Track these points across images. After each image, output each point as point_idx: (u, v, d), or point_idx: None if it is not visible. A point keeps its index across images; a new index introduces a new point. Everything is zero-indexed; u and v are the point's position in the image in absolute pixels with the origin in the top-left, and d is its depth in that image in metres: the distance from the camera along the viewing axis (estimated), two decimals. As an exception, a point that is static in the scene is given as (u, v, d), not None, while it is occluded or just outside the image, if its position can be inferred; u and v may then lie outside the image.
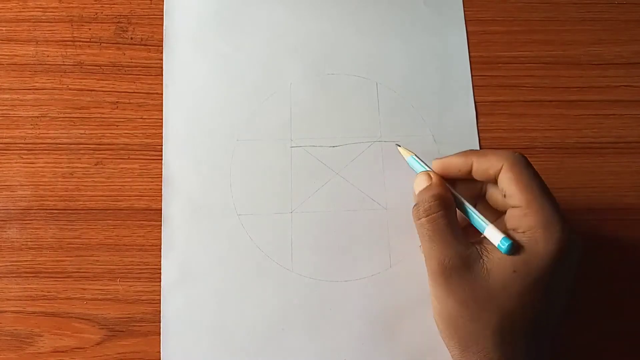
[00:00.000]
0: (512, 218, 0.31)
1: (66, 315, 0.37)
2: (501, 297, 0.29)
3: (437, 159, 0.34)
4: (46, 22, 0.42)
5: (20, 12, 0.42)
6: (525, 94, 0.42)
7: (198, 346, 0.36)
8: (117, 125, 0.40)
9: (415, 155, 0.36)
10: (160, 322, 0.36)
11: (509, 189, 0.31)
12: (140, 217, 0.38)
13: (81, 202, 0.38)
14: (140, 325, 0.37)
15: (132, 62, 0.41)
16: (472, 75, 0.42)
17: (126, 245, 0.38)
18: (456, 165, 0.33)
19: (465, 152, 0.33)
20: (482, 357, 0.30)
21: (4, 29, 0.42)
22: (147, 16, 0.42)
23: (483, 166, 0.32)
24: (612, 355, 0.38)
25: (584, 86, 0.42)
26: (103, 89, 0.41)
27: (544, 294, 0.30)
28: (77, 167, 0.39)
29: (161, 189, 0.39)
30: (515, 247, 0.29)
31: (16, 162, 0.39)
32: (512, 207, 0.31)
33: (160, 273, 0.37)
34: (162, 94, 0.41)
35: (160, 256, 0.38)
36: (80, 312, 0.37)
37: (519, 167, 0.31)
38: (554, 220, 0.29)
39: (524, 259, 0.29)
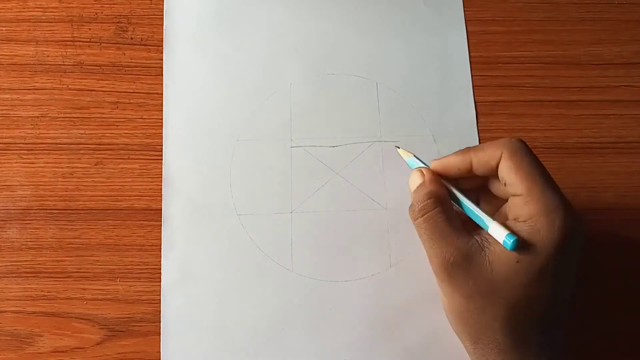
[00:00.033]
0: (514, 207, 0.31)
1: (66, 315, 0.37)
2: (506, 288, 0.29)
3: (435, 159, 0.34)
4: (46, 22, 0.42)
5: (20, 12, 0.42)
6: (525, 94, 0.42)
7: (198, 346, 0.36)
8: (117, 125, 0.40)
9: (415, 155, 0.36)
10: (160, 322, 0.36)
11: (509, 177, 0.30)
12: (140, 217, 0.38)
13: (81, 202, 0.38)
14: (140, 325, 0.37)
15: (132, 62, 0.41)
16: (472, 75, 0.42)
17: (126, 245, 0.38)
18: (455, 164, 0.33)
19: (462, 150, 0.33)
20: (494, 348, 0.30)
21: (4, 29, 0.42)
22: (147, 16, 0.42)
23: (483, 160, 0.32)
24: (612, 355, 0.38)
25: (584, 86, 0.42)
26: (103, 89, 0.41)
27: (550, 282, 0.29)
28: (77, 167, 0.39)
29: (161, 189, 0.39)
30: (520, 243, 0.29)
31: (16, 162, 0.39)
32: (513, 195, 0.31)
33: (160, 273, 0.37)
34: (162, 94, 0.41)
35: (160, 256, 0.38)
36: (80, 312, 0.37)
37: (518, 155, 0.30)
38: (556, 207, 0.29)
39: (526, 248, 0.29)
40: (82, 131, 0.40)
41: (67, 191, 0.39)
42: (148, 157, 0.39)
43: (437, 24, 0.43)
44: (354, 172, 0.40)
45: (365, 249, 0.38)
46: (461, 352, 0.32)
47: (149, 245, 0.38)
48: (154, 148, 0.40)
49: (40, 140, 0.40)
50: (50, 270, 0.37)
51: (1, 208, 0.38)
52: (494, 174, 0.32)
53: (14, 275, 0.37)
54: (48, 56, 0.41)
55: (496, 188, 0.33)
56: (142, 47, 0.42)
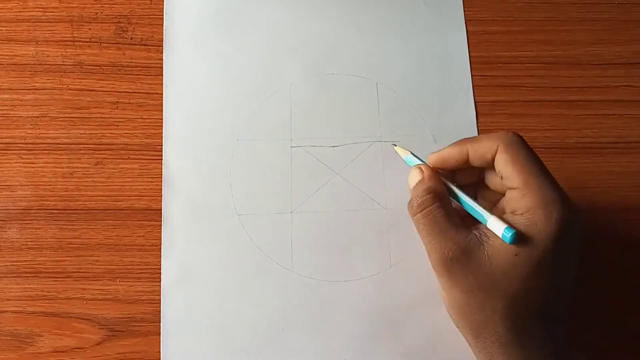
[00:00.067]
0: (511, 200, 0.31)
1: (66, 315, 0.37)
2: (505, 282, 0.29)
3: (433, 153, 0.34)
4: (46, 22, 0.42)
5: (20, 12, 0.42)
6: (525, 94, 0.42)
7: (198, 346, 0.36)
8: (117, 125, 0.40)
9: (412, 152, 0.36)
10: (160, 322, 0.36)
11: (505, 170, 0.31)
12: (140, 217, 0.38)
13: (81, 202, 0.38)
14: (140, 325, 0.37)
15: (132, 62, 0.41)
16: (472, 75, 0.42)
17: (126, 245, 0.38)
18: (452, 156, 0.33)
19: (459, 141, 0.33)
20: (495, 342, 0.30)
21: (4, 29, 0.42)
22: (147, 16, 0.42)
23: (479, 152, 0.32)
24: (612, 355, 0.38)
25: (584, 86, 0.42)
26: (103, 89, 0.41)
27: (549, 275, 0.29)
28: (77, 167, 0.39)
29: (161, 189, 0.39)
30: (519, 236, 0.29)
31: (16, 162, 0.39)
32: (510, 188, 0.31)
33: (160, 273, 0.37)
34: (162, 94, 0.41)
35: (160, 256, 0.38)
36: (80, 312, 0.37)
37: (514, 148, 0.31)
38: (553, 199, 0.29)
39: (524, 241, 0.29)
40: (82, 131, 0.40)
41: (67, 191, 0.39)
42: (148, 157, 0.39)
43: (437, 24, 0.43)
44: (354, 172, 0.40)
45: (365, 249, 0.38)
46: (461, 352, 0.32)
47: (149, 245, 0.38)
48: (154, 148, 0.40)
49: (40, 140, 0.40)
50: (50, 270, 0.37)
51: (1, 208, 0.38)
52: (490, 166, 0.32)
53: (14, 275, 0.37)
54: (48, 56, 0.41)
55: (493, 182, 0.33)
56: (142, 47, 0.42)
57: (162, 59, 0.41)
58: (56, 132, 0.40)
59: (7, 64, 0.41)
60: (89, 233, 0.38)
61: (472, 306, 0.30)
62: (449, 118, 0.41)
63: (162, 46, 0.42)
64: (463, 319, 0.31)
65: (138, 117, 0.40)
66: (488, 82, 0.42)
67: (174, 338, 0.36)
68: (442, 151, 0.34)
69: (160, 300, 0.37)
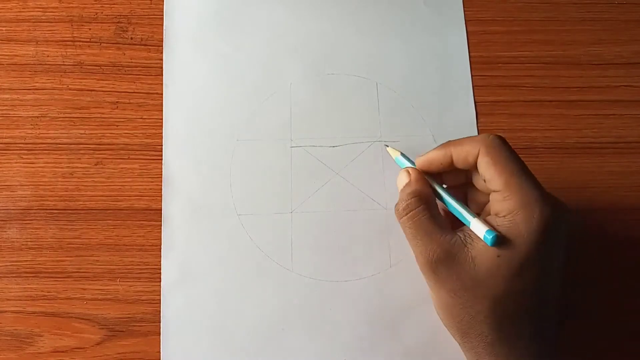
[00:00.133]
0: (494, 202, 0.31)
1: (66, 315, 0.37)
2: (489, 283, 0.29)
3: (419, 156, 0.34)
4: (46, 22, 0.42)
5: (20, 12, 0.42)
6: (525, 94, 0.42)
7: (198, 346, 0.36)
8: (117, 125, 0.40)
9: (402, 153, 0.37)
10: (160, 322, 0.37)
11: (487, 173, 0.31)
12: (140, 217, 0.38)
13: (81, 202, 0.38)
14: (140, 325, 0.37)
15: (132, 62, 0.41)
16: (472, 75, 0.42)
17: (126, 245, 0.38)
18: (437, 158, 0.33)
19: (444, 144, 0.33)
20: (481, 342, 0.30)
21: (4, 29, 0.42)
22: (147, 16, 0.42)
23: (462, 155, 0.32)
24: (612, 355, 0.38)
25: (584, 86, 0.42)
26: (103, 89, 0.41)
27: (533, 275, 0.29)
28: (77, 167, 0.39)
29: (161, 189, 0.39)
30: (500, 239, 0.29)
31: (16, 162, 0.39)
32: (493, 191, 0.31)
33: (160, 273, 0.37)
34: (162, 94, 0.41)
35: (160, 256, 0.38)
36: (80, 312, 0.37)
37: (495, 150, 0.31)
38: (534, 200, 0.29)
39: (506, 242, 0.29)
40: (82, 131, 0.40)
41: (67, 191, 0.39)
42: (148, 157, 0.39)
43: (437, 24, 0.43)
44: (353, 172, 0.40)
45: (365, 249, 0.38)
46: (461, 352, 0.32)
47: (149, 245, 0.38)
48: (154, 148, 0.40)
49: (40, 140, 0.40)
50: (50, 270, 0.37)
51: (1, 208, 0.38)
52: (473, 168, 0.33)
53: (14, 275, 0.37)
54: (48, 56, 0.41)
55: (480, 184, 0.34)
56: (142, 47, 0.42)
57: (162, 59, 0.41)
58: (56, 132, 0.40)
59: (7, 64, 0.41)
60: (89, 233, 0.38)
61: (458, 307, 0.30)
62: (449, 118, 0.41)
63: (162, 46, 0.42)
64: (450, 319, 0.31)
65: (138, 117, 0.40)
66: (488, 82, 0.42)
67: (174, 338, 0.36)
68: (428, 154, 0.34)
69: (160, 300, 0.37)
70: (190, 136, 0.40)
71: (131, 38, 0.42)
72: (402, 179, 0.34)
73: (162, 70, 0.41)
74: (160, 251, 0.38)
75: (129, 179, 0.39)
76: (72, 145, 0.40)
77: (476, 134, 0.41)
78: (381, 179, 0.39)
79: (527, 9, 0.44)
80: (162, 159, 0.39)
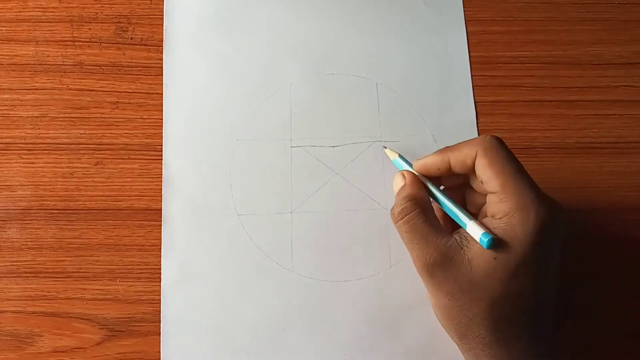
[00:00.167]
0: (491, 204, 0.31)
1: (66, 315, 0.37)
2: (485, 285, 0.30)
3: (417, 160, 0.35)
4: (46, 22, 0.42)
5: (20, 12, 0.42)
6: (525, 94, 0.42)
7: (198, 346, 0.36)
8: (117, 125, 0.40)
9: (400, 155, 0.37)
10: (160, 322, 0.37)
11: (484, 175, 0.31)
12: (140, 217, 0.38)
13: (81, 202, 0.38)
14: (140, 325, 0.37)
15: (132, 62, 0.41)
16: (472, 75, 0.42)
17: (126, 245, 0.38)
18: (435, 163, 0.33)
19: (441, 150, 0.33)
20: (479, 343, 0.30)
21: (4, 29, 0.42)
22: (147, 16, 0.42)
23: (459, 159, 0.32)
24: (612, 355, 0.38)
25: (584, 86, 0.42)
26: (103, 89, 0.41)
27: (530, 277, 0.30)
28: (77, 167, 0.39)
29: (161, 189, 0.39)
30: (496, 241, 0.29)
31: (16, 162, 0.39)
32: (490, 193, 0.31)
33: (160, 273, 0.37)
34: (162, 94, 0.41)
35: (160, 256, 0.38)
36: (80, 312, 0.37)
37: (492, 152, 0.31)
38: (530, 202, 0.29)
39: (502, 245, 0.29)
40: (82, 131, 0.40)
41: (67, 191, 0.39)
42: (148, 157, 0.39)
43: (437, 24, 0.43)
44: (353, 172, 0.40)
45: (365, 249, 0.38)
46: (461, 353, 0.32)
47: (149, 245, 0.38)
48: (154, 148, 0.40)
49: (40, 140, 0.40)
50: (50, 270, 0.37)
51: (1, 208, 0.38)
52: (471, 172, 0.33)
53: (14, 275, 0.37)
54: (48, 56, 0.41)
55: (477, 186, 0.34)
56: (142, 47, 0.42)
57: (162, 59, 0.41)
58: (56, 132, 0.40)
59: (7, 64, 0.41)
60: (89, 233, 0.38)
61: (455, 309, 0.30)
62: (449, 118, 0.41)
63: (162, 46, 0.42)
64: (448, 320, 0.31)
65: (138, 117, 0.40)
66: (488, 82, 0.42)
67: (174, 338, 0.36)
68: (426, 159, 0.34)
69: (160, 300, 0.37)
70: (190, 136, 0.40)
71: (131, 38, 0.42)
72: (398, 183, 0.34)
73: (162, 70, 0.41)
74: (160, 251, 0.38)
75: (129, 179, 0.39)
76: (72, 145, 0.40)
77: (476, 134, 0.41)
78: (381, 179, 0.39)
79: (527, 9, 0.44)
80: (162, 159, 0.39)
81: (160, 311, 0.37)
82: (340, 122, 0.41)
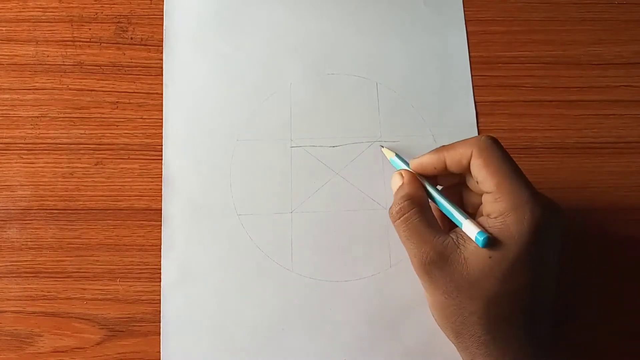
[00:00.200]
0: (486, 204, 0.31)
1: (66, 315, 0.37)
2: (482, 284, 0.30)
3: (413, 159, 0.35)
4: (46, 22, 0.42)
5: (20, 12, 0.42)
6: (525, 94, 0.42)
7: (198, 346, 0.36)
8: (117, 125, 0.40)
9: (397, 154, 0.37)
10: (160, 322, 0.37)
11: (479, 175, 0.31)
12: (140, 217, 0.38)
13: (81, 202, 0.38)
14: (140, 325, 0.37)
15: (132, 62, 0.41)
16: (472, 75, 0.42)
17: (126, 245, 0.38)
18: (431, 163, 0.33)
19: (437, 149, 0.34)
20: (475, 342, 0.30)
21: (4, 29, 0.42)
22: (147, 16, 0.42)
23: (455, 159, 0.32)
24: (612, 355, 0.38)
25: (584, 86, 0.42)
26: (103, 89, 0.41)
27: (525, 277, 0.30)
28: (77, 167, 0.39)
29: (161, 189, 0.39)
30: (491, 240, 0.29)
31: (16, 162, 0.39)
32: (486, 192, 0.31)
33: (160, 273, 0.37)
34: (162, 94, 0.41)
35: (160, 256, 0.38)
36: (80, 312, 0.37)
37: (487, 152, 0.31)
38: (525, 202, 0.30)
39: (497, 244, 0.30)
40: (82, 131, 0.40)
41: (67, 191, 0.39)
42: (148, 157, 0.39)
43: (437, 24, 0.43)
44: (353, 172, 0.40)
45: (365, 249, 0.38)
46: (461, 352, 0.32)
47: (149, 245, 0.38)
48: (154, 148, 0.40)
49: (40, 140, 0.40)
50: (50, 270, 0.37)
51: (1, 208, 0.38)
52: (467, 171, 0.33)
53: (14, 275, 0.37)
54: (48, 56, 0.41)
55: (473, 185, 0.34)
56: (142, 47, 0.42)
57: (162, 59, 0.41)
58: (56, 132, 0.40)
59: (7, 64, 0.41)
60: (89, 233, 0.38)
61: (452, 307, 0.30)
62: (449, 118, 0.41)
63: (162, 46, 0.42)
64: (444, 319, 0.31)
65: (138, 117, 0.40)
66: (488, 82, 0.42)
67: (174, 338, 0.36)
68: (422, 158, 0.34)
69: (160, 300, 0.37)
70: (190, 136, 0.40)
71: (131, 38, 0.42)
72: (396, 182, 0.34)
73: (162, 70, 0.41)
74: (160, 251, 0.38)
75: (129, 179, 0.39)
76: (72, 145, 0.40)
77: (476, 134, 0.41)
78: (381, 179, 0.39)
79: (527, 9, 0.44)
80: (162, 159, 0.39)
81: (160, 311, 0.37)
82: (340, 122, 0.41)
